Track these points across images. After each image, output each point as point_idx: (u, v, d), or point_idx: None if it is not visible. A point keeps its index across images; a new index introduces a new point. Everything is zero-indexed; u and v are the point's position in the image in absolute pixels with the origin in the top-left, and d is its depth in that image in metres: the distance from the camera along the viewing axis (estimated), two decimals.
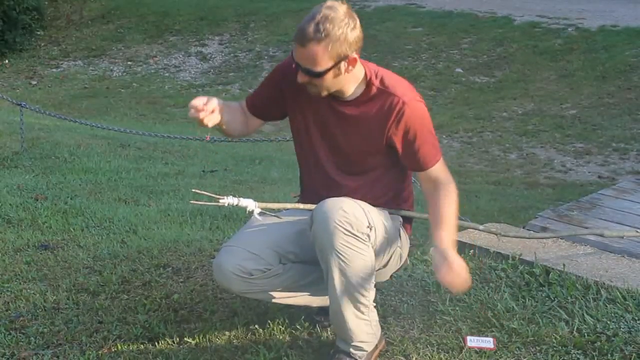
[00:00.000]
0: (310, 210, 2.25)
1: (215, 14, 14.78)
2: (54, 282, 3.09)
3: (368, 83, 2.30)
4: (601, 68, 10.62)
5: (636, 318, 2.60)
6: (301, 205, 2.38)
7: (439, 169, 2.34)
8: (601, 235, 3.17)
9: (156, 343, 2.55)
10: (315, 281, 2.38)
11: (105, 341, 2.58)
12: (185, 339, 2.56)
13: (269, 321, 2.63)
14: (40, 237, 3.69)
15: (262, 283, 2.32)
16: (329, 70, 2.18)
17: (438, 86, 10.97)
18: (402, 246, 2.44)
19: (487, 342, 2.46)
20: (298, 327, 2.60)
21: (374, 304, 2.30)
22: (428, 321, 2.64)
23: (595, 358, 2.38)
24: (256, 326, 2.61)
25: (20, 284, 3.08)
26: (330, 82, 2.23)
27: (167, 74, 12.73)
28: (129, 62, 13.36)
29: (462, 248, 3.27)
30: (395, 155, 2.33)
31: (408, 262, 2.75)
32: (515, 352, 2.43)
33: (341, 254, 2.13)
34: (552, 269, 2.97)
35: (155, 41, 14.06)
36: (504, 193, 6.31)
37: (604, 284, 2.83)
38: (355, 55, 2.20)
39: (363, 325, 2.28)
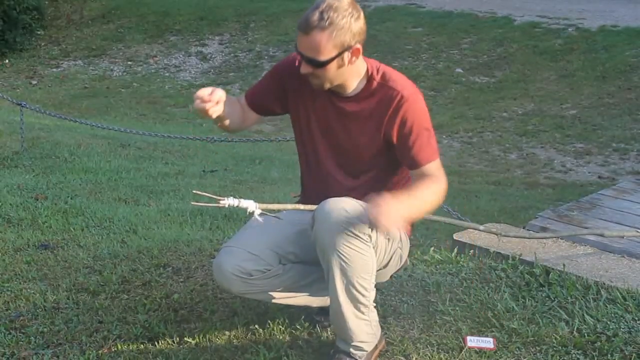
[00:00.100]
0: (311, 210, 2.25)
1: (215, 13, 14.79)
2: (54, 281, 3.09)
3: (369, 78, 2.30)
4: (601, 68, 10.63)
5: (636, 318, 2.60)
6: (302, 206, 2.38)
7: (433, 169, 2.28)
8: (601, 236, 3.17)
9: (156, 343, 2.55)
10: (315, 281, 2.38)
11: (105, 341, 2.58)
12: (185, 338, 2.56)
13: (269, 321, 2.63)
14: (40, 237, 3.69)
15: (261, 284, 2.31)
16: (332, 59, 2.17)
17: (438, 86, 10.97)
18: (403, 247, 2.44)
19: (487, 342, 2.46)
20: (298, 327, 2.60)
21: (374, 304, 2.30)
22: (428, 321, 2.64)
23: (595, 358, 2.38)
24: (256, 326, 2.61)
25: (20, 283, 3.08)
26: (333, 74, 2.22)
27: (167, 74, 12.73)
28: (129, 62, 13.36)
29: (462, 248, 3.27)
30: (395, 155, 2.33)
31: (408, 262, 2.75)
32: (515, 352, 2.43)
33: (342, 254, 2.13)
34: (552, 269, 2.97)
35: (156, 41, 14.06)
36: (504, 193, 6.31)
37: (604, 284, 2.83)
38: (358, 46, 2.21)
39: (363, 325, 2.28)
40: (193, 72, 12.72)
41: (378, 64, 2.34)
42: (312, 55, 2.17)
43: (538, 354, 2.43)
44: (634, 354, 2.38)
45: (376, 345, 2.37)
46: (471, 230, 3.28)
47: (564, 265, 2.99)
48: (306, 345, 2.50)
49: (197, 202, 2.29)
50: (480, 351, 2.43)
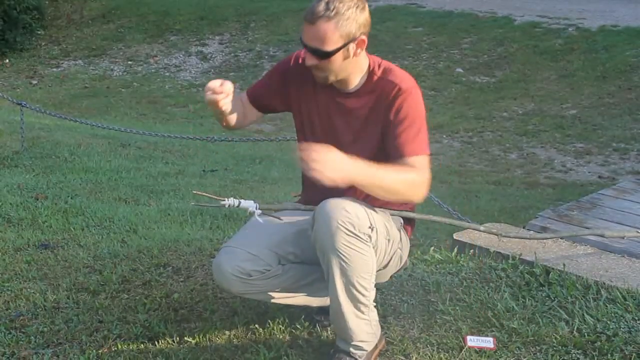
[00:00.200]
0: (312, 211, 2.25)
1: (215, 13, 14.79)
2: (54, 281, 3.09)
3: (370, 73, 2.30)
4: (601, 68, 10.62)
5: (636, 318, 2.60)
6: (302, 207, 2.38)
7: (417, 162, 2.22)
8: (602, 236, 3.17)
9: (156, 342, 2.55)
10: (315, 281, 2.38)
11: (105, 340, 2.58)
12: (186, 338, 2.56)
13: (269, 321, 2.63)
14: (40, 237, 3.69)
15: (261, 284, 2.31)
16: (338, 50, 2.17)
17: (438, 86, 10.97)
18: (403, 247, 2.44)
19: (487, 342, 2.46)
20: (298, 326, 2.60)
21: (374, 304, 2.30)
22: (428, 321, 2.64)
23: (595, 358, 2.38)
24: (256, 325, 2.61)
25: (20, 283, 3.08)
26: (338, 66, 2.22)
27: (167, 74, 12.73)
28: (129, 62, 13.36)
29: (462, 247, 3.27)
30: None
31: (408, 263, 2.75)
32: (515, 352, 2.43)
33: (342, 254, 2.13)
34: (552, 268, 2.97)
35: (156, 41, 14.06)
36: (504, 193, 6.31)
37: (604, 283, 2.83)
38: (364, 37, 2.21)
39: (363, 324, 2.28)
40: (193, 72, 12.72)
41: (380, 60, 2.34)
42: (318, 45, 2.17)
43: (538, 353, 2.42)
44: (634, 354, 2.38)
45: (376, 344, 2.37)
46: (471, 229, 3.28)
47: (564, 265, 2.99)
48: (306, 345, 2.50)
49: (197, 202, 2.29)
50: (480, 351, 2.43)
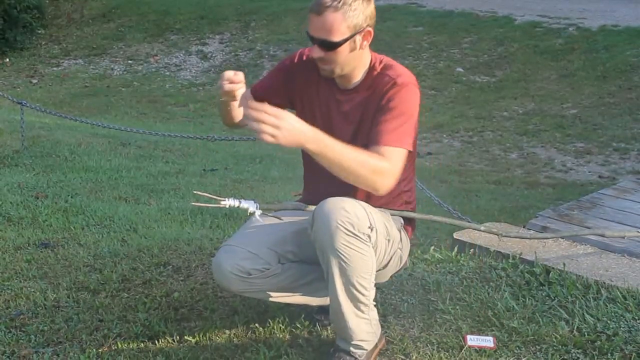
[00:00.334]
0: (312, 211, 2.24)
1: (216, 12, 14.79)
2: (55, 280, 3.09)
3: (370, 69, 2.30)
4: (602, 68, 10.62)
5: (636, 317, 2.60)
6: (302, 206, 2.38)
7: (390, 154, 2.15)
8: (602, 236, 3.17)
9: (156, 341, 2.55)
10: (314, 281, 2.38)
11: (105, 339, 2.58)
12: (186, 337, 2.56)
13: (269, 320, 2.63)
14: (40, 236, 3.69)
15: (260, 282, 2.31)
16: (345, 41, 2.17)
17: (439, 85, 10.96)
18: (403, 248, 2.43)
19: (487, 341, 2.46)
20: (298, 325, 2.60)
21: (374, 303, 2.29)
22: (428, 320, 2.64)
23: (595, 357, 2.38)
24: (256, 325, 2.61)
25: (20, 282, 3.08)
26: (344, 57, 2.21)
27: (167, 73, 12.74)
28: (129, 61, 13.36)
29: (463, 247, 3.27)
30: None
31: (408, 264, 2.75)
32: (515, 351, 2.43)
33: (342, 254, 2.13)
34: (553, 268, 2.97)
35: (156, 40, 14.06)
36: (504, 192, 6.31)
37: (604, 283, 2.83)
38: (370, 29, 2.21)
39: (363, 324, 2.27)
40: (193, 71, 12.72)
41: (382, 57, 2.34)
42: (325, 36, 2.17)
43: (538, 352, 2.42)
44: (633, 353, 2.38)
45: (376, 344, 2.37)
46: (471, 229, 3.28)
47: (564, 264, 2.99)
48: (306, 344, 2.50)
49: (197, 202, 2.29)
50: (480, 350, 2.43)
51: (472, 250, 3.23)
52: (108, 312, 2.77)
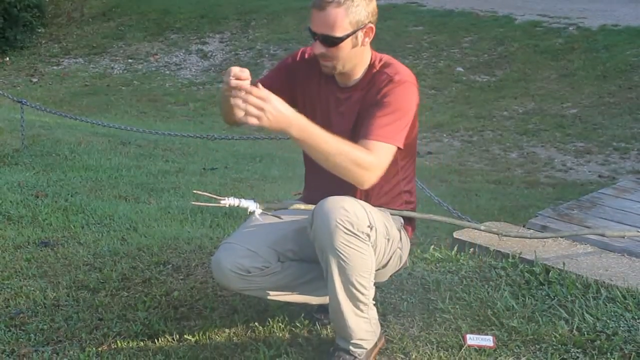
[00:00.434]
0: (311, 210, 2.24)
1: (216, 11, 14.78)
2: (54, 279, 3.09)
3: (370, 67, 2.30)
4: (602, 67, 10.62)
5: (636, 317, 2.60)
6: (302, 206, 2.38)
7: (378, 149, 2.14)
8: (602, 235, 3.17)
9: (156, 340, 2.55)
10: (314, 279, 2.38)
11: (105, 338, 2.58)
12: (185, 336, 2.56)
13: (269, 319, 2.63)
14: (40, 234, 3.69)
15: (260, 281, 2.31)
16: (347, 36, 2.17)
17: (439, 85, 10.96)
18: (402, 247, 2.43)
19: (486, 341, 2.46)
20: (298, 324, 2.60)
21: (374, 302, 2.30)
22: (428, 319, 2.64)
23: (595, 357, 2.38)
24: (256, 324, 2.61)
25: (20, 280, 3.08)
26: (346, 54, 2.21)
27: (167, 72, 12.73)
28: (129, 60, 13.36)
29: (462, 246, 3.27)
30: (396, 155, 2.31)
31: (407, 263, 2.75)
32: (515, 351, 2.43)
33: (341, 253, 2.13)
34: (552, 267, 2.97)
35: (156, 39, 14.06)
36: (504, 192, 6.31)
37: (604, 282, 2.83)
38: (372, 25, 2.21)
39: (362, 323, 2.28)
40: (194, 70, 12.72)
41: (382, 55, 2.34)
42: (327, 31, 2.17)
43: (538, 352, 2.42)
44: (633, 353, 2.38)
45: (376, 343, 2.37)
46: (471, 229, 3.28)
47: (564, 263, 2.99)
48: (306, 343, 2.50)
49: (197, 201, 2.29)
50: (480, 349, 2.43)
51: (472, 249, 3.23)
52: (108, 310, 2.77)
